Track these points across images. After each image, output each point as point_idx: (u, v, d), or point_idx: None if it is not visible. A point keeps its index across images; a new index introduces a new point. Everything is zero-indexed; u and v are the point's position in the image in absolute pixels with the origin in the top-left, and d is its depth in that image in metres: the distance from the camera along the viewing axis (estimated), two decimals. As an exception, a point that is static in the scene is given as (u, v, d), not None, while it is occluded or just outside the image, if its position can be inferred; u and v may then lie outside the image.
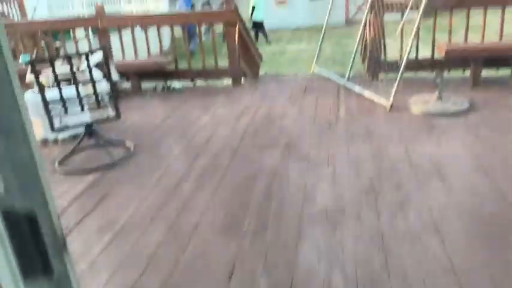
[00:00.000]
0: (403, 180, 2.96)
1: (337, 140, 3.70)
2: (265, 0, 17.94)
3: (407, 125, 3.92)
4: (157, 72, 5.68)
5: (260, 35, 16.15)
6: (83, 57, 3.44)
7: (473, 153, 3.27)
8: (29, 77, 3.76)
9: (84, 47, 6.63)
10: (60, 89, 3.21)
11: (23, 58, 5.34)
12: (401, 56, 4.95)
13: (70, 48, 6.33)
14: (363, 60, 5.62)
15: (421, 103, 4.27)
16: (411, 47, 4.36)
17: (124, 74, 5.57)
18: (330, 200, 2.78)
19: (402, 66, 4.31)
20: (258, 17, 15.83)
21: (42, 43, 6.47)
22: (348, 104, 4.60)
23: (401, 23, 4.74)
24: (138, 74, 5.66)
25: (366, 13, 5.09)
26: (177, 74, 5.86)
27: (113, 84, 3.48)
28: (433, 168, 3.08)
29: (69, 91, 3.31)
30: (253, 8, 15.83)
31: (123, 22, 5.91)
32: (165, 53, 6.32)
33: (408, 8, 4.45)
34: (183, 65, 5.92)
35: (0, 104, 0.48)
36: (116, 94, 3.50)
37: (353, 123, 4.06)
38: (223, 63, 5.82)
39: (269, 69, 10.88)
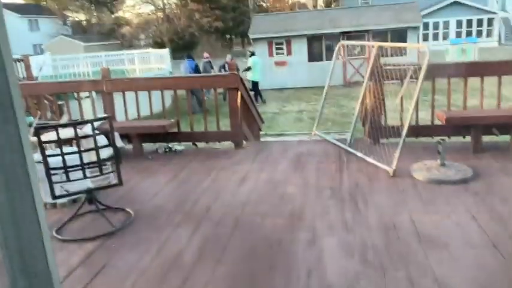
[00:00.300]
0: (410, 252, 2.89)
1: (341, 209, 3.64)
2: (264, 61, 18.50)
3: (411, 193, 3.88)
4: (160, 134, 5.73)
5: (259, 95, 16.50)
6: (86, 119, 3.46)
7: (480, 224, 3.22)
8: (31, 139, 3.77)
9: (87, 105, 6.75)
10: (63, 157, 3.20)
11: (26, 119, 5.40)
12: (401, 122, 5.02)
13: (73, 106, 6.43)
14: (363, 124, 5.68)
15: (424, 170, 4.27)
16: (411, 115, 4.42)
17: (126, 136, 5.62)
18: (336, 275, 2.69)
19: (403, 135, 4.35)
20: (254, 77, 16.24)
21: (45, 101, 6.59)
22: (351, 170, 4.59)
23: (401, 92, 4.83)
24: (141, 135, 5.69)
25: (365, 81, 5.21)
26: (179, 136, 5.90)
27: (116, 151, 3.47)
28: (439, 240, 3.02)
29: (72, 158, 3.30)
30: (248, 68, 16.24)
31: (127, 86, 6.02)
32: (168, 110, 6.37)
33: (408, 78, 4.56)
34: (185, 123, 5.98)
35: (27, 247, 0.46)
36: (118, 161, 3.49)
37: (356, 190, 4.03)
38: (224, 122, 5.89)
39: (269, 130, 11.04)
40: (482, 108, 5.24)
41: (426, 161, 4.47)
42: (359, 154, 4.91)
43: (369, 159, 4.71)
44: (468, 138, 5.05)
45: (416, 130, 5.13)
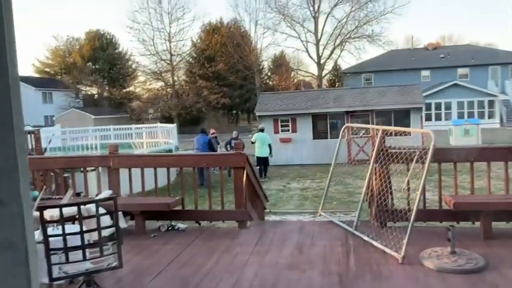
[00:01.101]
0: None
1: (348, 298, 3.49)
2: (269, 137, 18.70)
3: (422, 283, 3.72)
4: (163, 212, 5.65)
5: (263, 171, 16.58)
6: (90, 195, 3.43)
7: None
8: (34, 214, 3.71)
9: (92, 178, 6.76)
10: (65, 238, 3.13)
11: (31, 194, 5.38)
12: (409, 206, 4.96)
13: (79, 178, 6.45)
14: (369, 205, 5.61)
15: (434, 257, 4.12)
16: (419, 201, 4.37)
17: (129, 213, 5.55)
18: None
19: (411, 221, 4.26)
20: (260, 153, 16.48)
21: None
22: (358, 254, 4.45)
23: (407, 177, 4.82)
24: (144, 213, 5.62)
25: (371, 163, 5.22)
26: (183, 214, 5.82)
27: (118, 232, 3.40)
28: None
29: (73, 240, 3.22)
30: (252, 143, 16.53)
31: (134, 163, 6.06)
32: (173, 184, 6.34)
33: (414, 162, 4.57)
34: (189, 198, 5.93)
35: None
36: (120, 242, 3.41)
37: (364, 277, 3.87)
38: (229, 197, 5.84)
39: (274, 207, 10.91)
40: (490, 193, 5.18)
41: (436, 247, 4.33)
42: (366, 238, 4.79)
43: (377, 244, 4.58)
44: (477, 224, 4.94)
45: (424, 214, 5.05)
